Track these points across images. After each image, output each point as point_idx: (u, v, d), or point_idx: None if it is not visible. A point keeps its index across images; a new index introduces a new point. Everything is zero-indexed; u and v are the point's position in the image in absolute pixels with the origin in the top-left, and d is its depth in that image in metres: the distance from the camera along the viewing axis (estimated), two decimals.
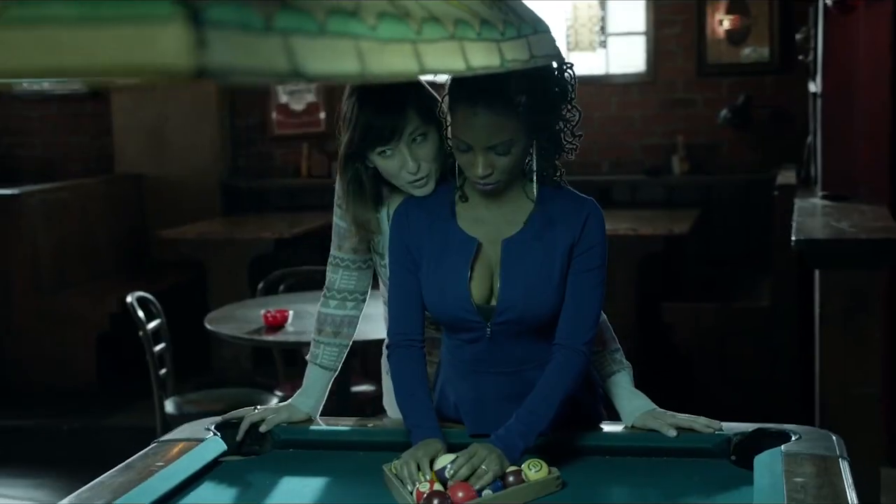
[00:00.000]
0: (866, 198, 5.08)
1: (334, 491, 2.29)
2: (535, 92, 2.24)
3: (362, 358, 5.14)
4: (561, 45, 7.35)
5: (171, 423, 4.40)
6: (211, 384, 5.57)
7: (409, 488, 2.14)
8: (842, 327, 3.94)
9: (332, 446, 2.49)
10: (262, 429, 2.52)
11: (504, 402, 2.38)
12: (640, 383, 2.56)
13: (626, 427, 2.46)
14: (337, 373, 2.67)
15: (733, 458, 2.34)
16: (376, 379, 4.68)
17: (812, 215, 4.55)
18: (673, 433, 2.39)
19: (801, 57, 6.26)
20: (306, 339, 4.36)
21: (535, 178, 2.35)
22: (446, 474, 2.15)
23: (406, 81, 2.37)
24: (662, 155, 7.45)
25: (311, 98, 8.02)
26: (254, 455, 2.49)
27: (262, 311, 4.62)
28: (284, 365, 5.17)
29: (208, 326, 4.73)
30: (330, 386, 2.66)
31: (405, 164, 2.42)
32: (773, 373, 5.86)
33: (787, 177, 6.02)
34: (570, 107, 2.33)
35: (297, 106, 8.04)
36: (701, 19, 7.36)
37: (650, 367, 6.32)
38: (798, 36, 6.25)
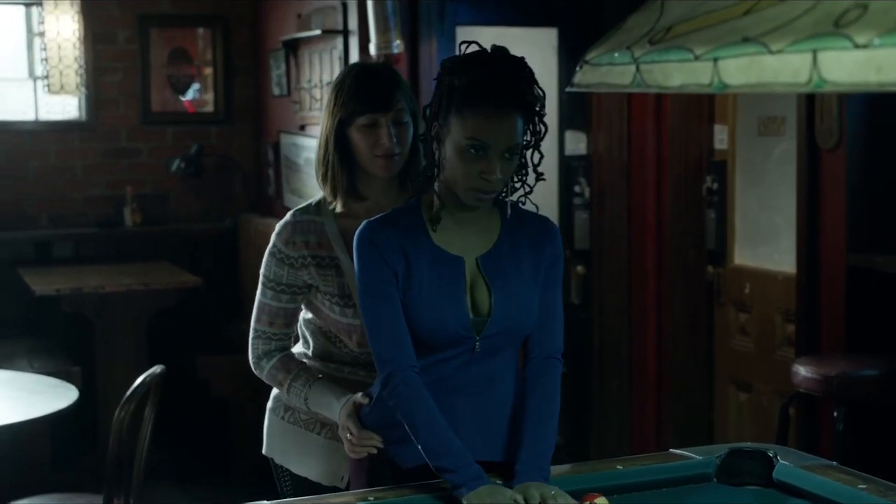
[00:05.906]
0: None
1: None
2: (544, 99, 2.31)
3: None
4: (39, 88, 6.71)
5: None
6: None
7: None
8: None
9: None
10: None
11: (475, 424, 2.38)
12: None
13: None
14: None
15: (714, 479, 2.51)
16: None
17: None
18: None
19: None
20: None
21: (509, 195, 2.39)
22: None
23: (394, 75, 2.68)
24: (111, 206, 7.13)
25: None
26: None
27: None
28: None
29: None
30: None
31: (384, 136, 2.57)
32: None
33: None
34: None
35: None
36: (145, 67, 7.19)
37: (189, 424, 6.12)
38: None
